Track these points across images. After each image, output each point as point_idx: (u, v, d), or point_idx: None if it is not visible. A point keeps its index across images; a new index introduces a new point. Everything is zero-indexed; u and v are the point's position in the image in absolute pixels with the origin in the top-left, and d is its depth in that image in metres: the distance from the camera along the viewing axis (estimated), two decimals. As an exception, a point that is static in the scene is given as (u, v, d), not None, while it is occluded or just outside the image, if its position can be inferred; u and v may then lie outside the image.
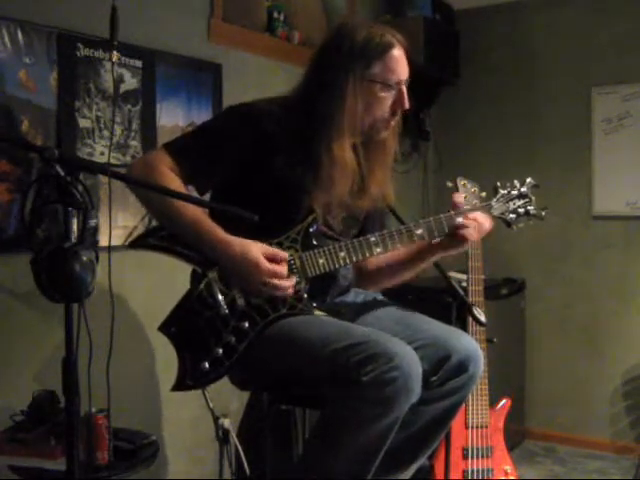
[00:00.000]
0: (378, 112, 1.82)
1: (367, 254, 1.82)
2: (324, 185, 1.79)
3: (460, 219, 1.88)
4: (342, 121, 1.78)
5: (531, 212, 2.00)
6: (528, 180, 2.01)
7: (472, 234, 1.88)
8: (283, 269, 1.71)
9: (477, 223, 1.89)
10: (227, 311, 1.72)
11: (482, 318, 1.96)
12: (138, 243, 1.79)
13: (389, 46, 1.80)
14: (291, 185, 1.79)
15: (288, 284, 1.72)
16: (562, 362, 3.96)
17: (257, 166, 1.79)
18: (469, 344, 1.84)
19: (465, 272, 2.95)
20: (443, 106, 4.22)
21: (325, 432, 1.68)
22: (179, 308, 1.73)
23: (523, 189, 2.00)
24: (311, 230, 1.80)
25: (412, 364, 1.62)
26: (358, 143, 1.89)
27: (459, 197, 1.92)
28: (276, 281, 1.70)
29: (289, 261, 1.76)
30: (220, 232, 1.70)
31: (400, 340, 1.68)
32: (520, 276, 3.98)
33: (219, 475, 2.14)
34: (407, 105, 1.84)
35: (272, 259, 1.70)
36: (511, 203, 1.98)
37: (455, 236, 1.88)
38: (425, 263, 1.99)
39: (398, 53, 1.82)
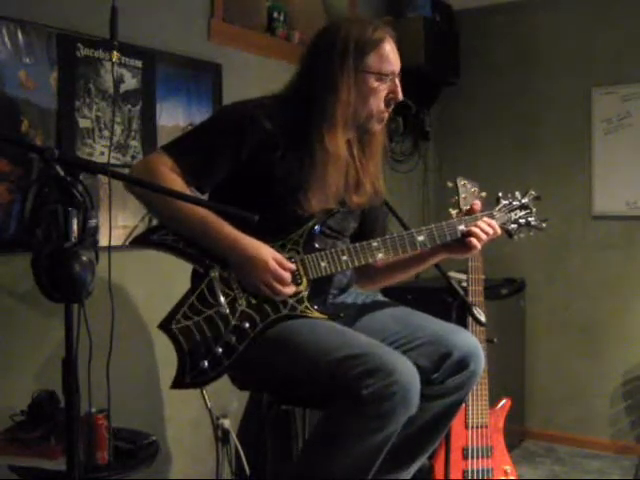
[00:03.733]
0: (374, 104, 1.83)
1: (369, 259, 1.82)
2: (318, 177, 1.80)
3: (462, 227, 1.88)
4: (335, 112, 1.79)
5: (532, 223, 2.02)
6: (530, 191, 2.03)
7: (479, 243, 1.87)
8: (287, 276, 1.73)
9: (493, 231, 1.90)
10: (228, 310, 1.72)
11: (482, 318, 1.96)
12: (141, 240, 1.79)
13: (382, 38, 1.83)
14: (287, 181, 1.80)
15: (288, 291, 1.73)
16: (562, 362, 3.96)
17: (254, 163, 1.79)
18: (470, 341, 1.84)
19: (465, 272, 2.95)
20: (443, 106, 4.22)
21: (322, 441, 1.68)
22: (180, 306, 1.73)
23: (524, 200, 2.02)
24: (313, 233, 1.80)
25: (411, 378, 1.61)
26: (352, 138, 1.89)
27: (477, 205, 1.92)
28: (278, 285, 1.71)
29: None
30: (229, 227, 1.71)
31: (399, 353, 1.69)
32: (520, 276, 3.98)
33: (217, 475, 2.14)
34: (401, 96, 1.86)
35: (280, 265, 1.72)
36: (513, 214, 2.00)
37: (462, 242, 1.89)
38: (427, 264, 1.99)
39: (391, 45, 1.85)
